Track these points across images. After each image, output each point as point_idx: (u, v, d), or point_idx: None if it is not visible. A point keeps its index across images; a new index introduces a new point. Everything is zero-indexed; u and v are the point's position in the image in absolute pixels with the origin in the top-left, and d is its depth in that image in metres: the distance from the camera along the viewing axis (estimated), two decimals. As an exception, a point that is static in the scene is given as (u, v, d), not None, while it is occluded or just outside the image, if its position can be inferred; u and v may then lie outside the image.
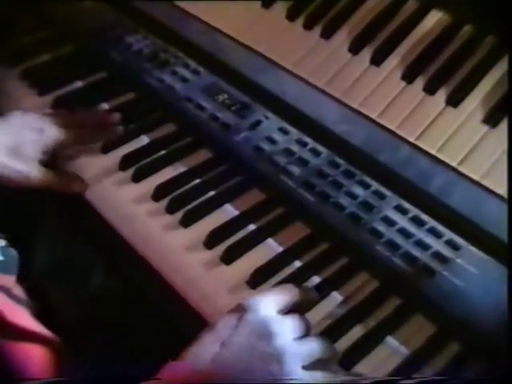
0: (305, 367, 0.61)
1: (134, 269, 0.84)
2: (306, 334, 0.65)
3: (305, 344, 0.63)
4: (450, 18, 0.91)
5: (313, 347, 0.64)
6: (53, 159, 0.91)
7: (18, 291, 0.77)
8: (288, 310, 0.66)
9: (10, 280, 0.78)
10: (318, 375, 0.62)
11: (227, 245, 0.82)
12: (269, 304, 0.65)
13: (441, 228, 0.81)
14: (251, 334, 0.61)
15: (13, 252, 0.82)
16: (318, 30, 0.96)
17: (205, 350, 0.61)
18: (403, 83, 0.88)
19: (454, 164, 0.83)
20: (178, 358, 0.61)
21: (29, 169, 0.87)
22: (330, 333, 0.73)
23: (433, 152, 0.84)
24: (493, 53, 0.86)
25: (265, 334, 0.61)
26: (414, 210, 0.83)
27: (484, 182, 0.80)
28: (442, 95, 0.86)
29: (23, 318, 0.71)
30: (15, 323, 0.67)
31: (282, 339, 0.62)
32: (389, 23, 0.92)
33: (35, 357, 0.67)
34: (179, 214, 0.86)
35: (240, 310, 0.64)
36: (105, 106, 1.04)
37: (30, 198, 0.93)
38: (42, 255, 0.96)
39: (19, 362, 0.64)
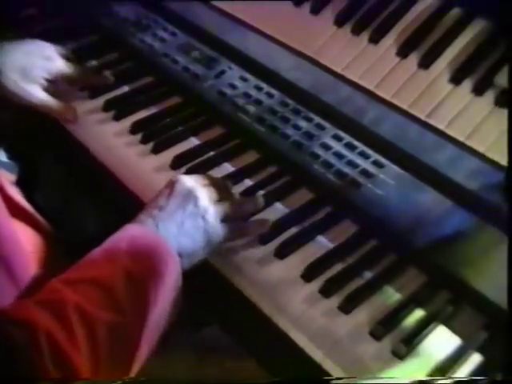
0: (222, 221, 0.80)
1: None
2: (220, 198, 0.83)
3: (221, 205, 0.81)
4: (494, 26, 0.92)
5: (226, 206, 0.82)
6: (53, 88, 1.04)
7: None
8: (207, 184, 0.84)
9: (12, 178, 0.93)
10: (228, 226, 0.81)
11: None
12: (191, 178, 0.83)
13: (370, 151, 0.95)
14: (181, 199, 0.79)
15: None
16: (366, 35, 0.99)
17: (148, 215, 0.77)
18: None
19: (387, 98, 0.94)
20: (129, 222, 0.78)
21: (31, 89, 1.00)
22: (272, 228, 0.88)
23: (370, 88, 0.96)
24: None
25: (191, 197, 0.79)
26: (348, 138, 0.98)
27: (411, 111, 0.92)
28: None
29: (22, 200, 0.86)
30: (15, 199, 0.81)
31: (204, 201, 0.79)
32: (435, 29, 0.95)
33: (27, 236, 0.82)
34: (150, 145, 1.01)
35: (170, 184, 0.82)
36: (94, 62, 1.20)
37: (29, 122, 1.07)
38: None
39: (10, 238, 0.77)
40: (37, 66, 1.01)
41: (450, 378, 0.75)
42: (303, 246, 0.88)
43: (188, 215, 0.78)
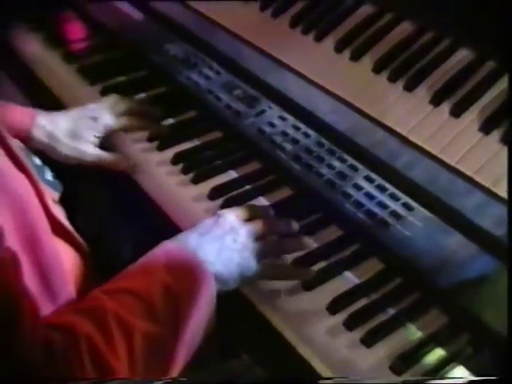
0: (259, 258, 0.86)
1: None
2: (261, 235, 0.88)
3: (259, 242, 0.87)
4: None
5: (264, 244, 0.87)
6: (105, 143, 1.11)
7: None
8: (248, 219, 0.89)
9: (56, 196, 0.99)
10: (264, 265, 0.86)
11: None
12: (234, 214, 0.88)
13: (400, 194, 0.99)
14: (222, 232, 0.84)
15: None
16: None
17: (188, 237, 0.82)
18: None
19: (419, 143, 0.96)
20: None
21: (84, 148, 1.07)
22: (301, 261, 0.93)
23: (404, 133, 0.98)
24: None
25: (232, 233, 0.84)
26: (379, 180, 1.01)
27: (441, 157, 0.94)
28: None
29: (64, 219, 0.91)
30: (58, 218, 0.87)
31: (243, 239, 0.84)
32: (468, 80, 0.97)
33: (66, 255, 0.87)
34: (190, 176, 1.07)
35: (215, 216, 0.87)
36: (143, 95, 1.27)
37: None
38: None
39: (51, 255, 0.78)
40: (86, 128, 1.08)
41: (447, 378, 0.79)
42: (330, 279, 0.91)
43: (226, 247, 0.83)
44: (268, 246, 0.88)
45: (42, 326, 0.69)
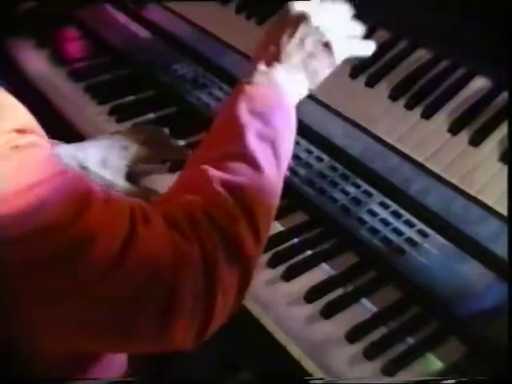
0: None
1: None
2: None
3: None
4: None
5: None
6: (133, 175, 1.08)
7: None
8: None
9: None
10: None
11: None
12: None
13: (415, 220, 0.99)
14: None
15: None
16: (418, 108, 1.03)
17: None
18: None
19: (436, 171, 0.97)
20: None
21: (114, 178, 1.04)
22: (318, 289, 0.92)
23: (420, 160, 0.99)
24: None
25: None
26: (394, 206, 1.01)
27: (461, 186, 0.94)
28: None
29: None
30: None
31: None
32: (486, 109, 0.99)
33: None
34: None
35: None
36: (152, 115, 1.26)
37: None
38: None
39: None
40: (116, 156, 1.05)
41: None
42: (348, 307, 0.91)
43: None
44: None
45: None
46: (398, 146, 1.01)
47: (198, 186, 0.72)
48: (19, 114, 0.60)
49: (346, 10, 0.87)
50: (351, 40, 0.87)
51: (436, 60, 1.06)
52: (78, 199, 0.60)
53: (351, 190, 1.05)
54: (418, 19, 1.09)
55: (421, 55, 1.08)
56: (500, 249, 0.91)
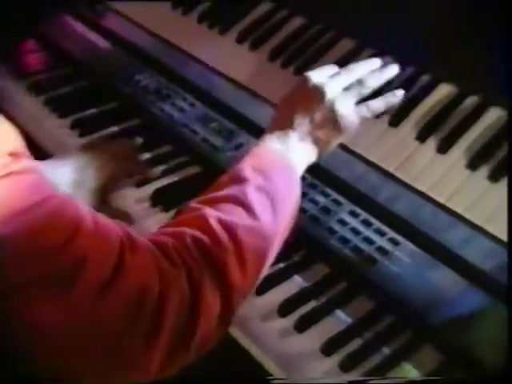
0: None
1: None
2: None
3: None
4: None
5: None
6: (103, 193, 1.05)
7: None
8: None
9: None
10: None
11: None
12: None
13: (385, 228, 0.99)
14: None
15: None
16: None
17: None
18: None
19: (406, 180, 0.97)
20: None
21: (87, 200, 1.01)
22: (290, 302, 0.91)
23: (390, 170, 0.99)
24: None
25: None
26: (364, 215, 1.01)
27: (429, 193, 0.95)
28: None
29: None
30: None
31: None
32: (452, 116, 0.98)
33: None
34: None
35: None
36: (115, 128, 1.24)
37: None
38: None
39: None
40: (89, 177, 1.03)
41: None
42: (322, 319, 0.90)
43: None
44: None
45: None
46: (365, 154, 1.00)
47: (192, 219, 0.75)
48: (12, 137, 0.62)
49: (357, 74, 0.92)
50: (361, 107, 0.91)
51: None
52: (69, 223, 0.61)
53: (320, 199, 1.04)
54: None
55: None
56: (470, 255, 0.91)
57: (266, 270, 0.78)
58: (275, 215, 0.78)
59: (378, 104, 0.93)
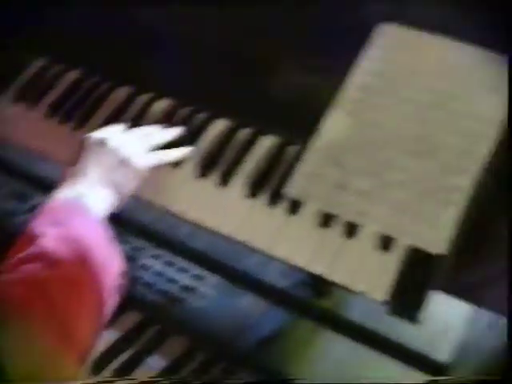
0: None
1: None
2: None
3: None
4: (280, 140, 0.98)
5: None
6: None
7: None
8: None
9: None
10: None
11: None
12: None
13: (187, 265, 1.02)
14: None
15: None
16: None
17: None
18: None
19: (193, 217, 0.97)
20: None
21: None
22: (104, 357, 0.91)
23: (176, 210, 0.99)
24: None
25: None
26: (166, 255, 1.04)
27: (211, 226, 0.95)
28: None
29: None
30: None
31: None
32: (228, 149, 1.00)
33: None
34: None
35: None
36: None
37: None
38: None
39: None
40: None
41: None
42: (136, 368, 0.92)
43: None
44: None
45: None
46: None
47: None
48: None
49: (142, 132, 0.97)
50: (150, 153, 0.94)
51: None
52: None
53: (123, 247, 1.05)
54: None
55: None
56: (267, 276, 0.97)
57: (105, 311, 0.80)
58: (85, 261, 0.79)
59: (172, 152, 0.98)
